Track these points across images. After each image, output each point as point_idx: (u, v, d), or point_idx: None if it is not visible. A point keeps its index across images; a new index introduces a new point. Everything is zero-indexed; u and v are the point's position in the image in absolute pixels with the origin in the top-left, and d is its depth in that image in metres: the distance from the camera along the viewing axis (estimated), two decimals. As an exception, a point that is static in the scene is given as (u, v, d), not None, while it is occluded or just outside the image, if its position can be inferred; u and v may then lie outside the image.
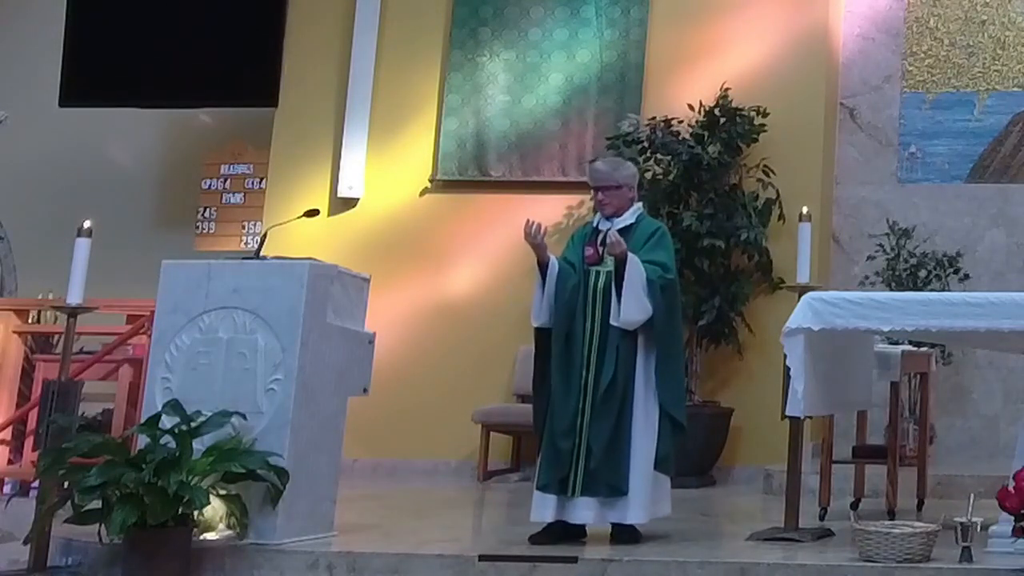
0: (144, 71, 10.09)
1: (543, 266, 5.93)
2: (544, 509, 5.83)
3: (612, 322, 5.83)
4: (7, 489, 8.09)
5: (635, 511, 5.83)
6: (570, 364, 5.86)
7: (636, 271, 5.82)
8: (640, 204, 6.25)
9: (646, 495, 5.85)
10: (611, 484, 5.77)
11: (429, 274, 9.49)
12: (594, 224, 6.13)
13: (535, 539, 5.82)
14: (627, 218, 6.06)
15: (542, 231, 5.91)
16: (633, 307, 5.80)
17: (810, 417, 6.27)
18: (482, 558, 5.51)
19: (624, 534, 5.89)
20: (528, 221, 5.93)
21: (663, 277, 5.91)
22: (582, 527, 5.93)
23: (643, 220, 6.14)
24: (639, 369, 5.89)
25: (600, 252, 5.96)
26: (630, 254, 5.84)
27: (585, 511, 5.81)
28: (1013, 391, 9.20)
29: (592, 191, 6.18)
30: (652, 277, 5.85)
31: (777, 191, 9.04)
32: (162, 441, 5.45)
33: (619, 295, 5.82)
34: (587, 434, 5.79)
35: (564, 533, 5.85)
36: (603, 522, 5.87)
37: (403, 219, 9.60)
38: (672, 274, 6.00)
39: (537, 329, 5.99)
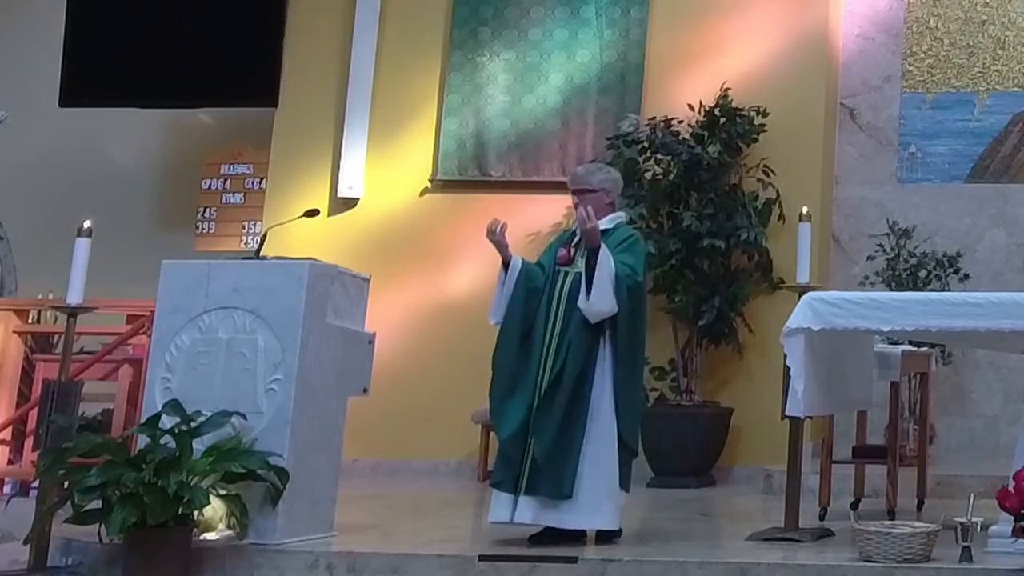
0: (144, 71, 10.08)
1: (506, 264, 5.95)
2: (500, 508, 5.80)
3: (579, 305, 5.78)
4: (7, 489, 8.09)
5: (582, 516, 5.75)
6: (527, 364, 5.84)
7: (607, 260, 5.80)
8: (621, 213, 6.28)
9: (597, 502, 5.75)
10: (554, 484, 5.69)
11: (429, 274, 9.49)
12: (573, 229, 6.16)
13: (535, 539, 5.81)
14: (604, 224, 6.01)
15: (503, 228, 5.91)
16: (601, 296, 5.75)
17: (810, 417, 6.28)
18: (482, 558, 5.51)
19: (609, 538, 5.89)
20: (493, 220, 5.94)
21: (630, 276, 5.87)
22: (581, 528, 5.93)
23: (620, 228, 6.14)
24: (599, 373, 5.82)
25: (572, 253, 5.97)
26: (603, 245, 5.83)
27: (525, 510, 5.74)
28: (1013, 391, 9.19)
29: (572, 193, 6.18)
30: (620, 273, 5.82)
31: (777, 191, 9.04)
32: (162, 441, 5.45)
33: (588, 284, 5.77)
34: (533, 432, 5.75)
35: (564, 534, 5.84)
36: (540, 523, 5.77)
37: (403, 219, 9.61)
38: (640, 277, 5.94)
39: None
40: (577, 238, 6.01)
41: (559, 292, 5.92)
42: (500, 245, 5.92)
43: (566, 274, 5.95)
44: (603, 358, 5.86)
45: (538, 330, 5.88)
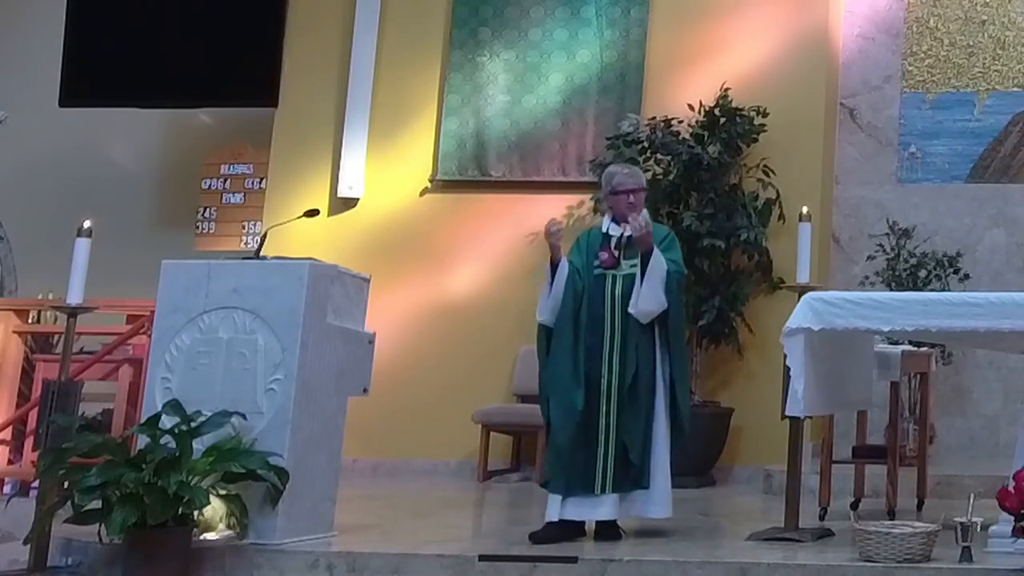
0: (144, 71, 10.09)
1: (554, 265, 6.00)
2: (553, 508, 5.87)
3: (630, 310, 5.93)
4: (7, 489, 8.08)
5: (657, 506, 5.97)
6: (588, 369, 5.90)
7: (659, 264, 5.95)
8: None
9: (666, 489, 5.98)
10: (635, 479, 5.89)
11: (429, 274, 9.49)
12: (604, 229, 6.17)
13: (535, 537, 5.83)
14: None
15: (561, 232, 6.01)
16: (652, 298, 5.92)
17: (810, 417, 6.28)
18: (482, 558, 5.51)
19: (608, 532, 5.95)
20: (552, 220, 6.07)
21: (678, 272, 6.06)
22: (581, 524, 5.95)
23: (652, 226, 6.20)
24: (658, 366, 6.00)
25: (616, 256, 6.04)
26: (655, 247, 5.97)
27: (608, 507, 5.89)
28: (1013, 391, 9.19)
29: (615, 194, 6.15)
30: (671, 270, 5.98)
31: (777, 191, 9.04)
32: (162, 441, 5.45)
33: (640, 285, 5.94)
34: (617, 433, 5.86)
35: (565, 531, 5.86)
36: (624, 517, 5.96)
37: (403, 219, 9.61)
38: (685, 271, 6.20)
39: (543, 327, 6.04)
40: (615, 240, 6.05)
41: (612, 296, 6.00)
42: (555, 247, 6.00)
43: (614, 277, 6.01)
44: (660, 351, 6.01)
45: (595, 334, 5.94)
